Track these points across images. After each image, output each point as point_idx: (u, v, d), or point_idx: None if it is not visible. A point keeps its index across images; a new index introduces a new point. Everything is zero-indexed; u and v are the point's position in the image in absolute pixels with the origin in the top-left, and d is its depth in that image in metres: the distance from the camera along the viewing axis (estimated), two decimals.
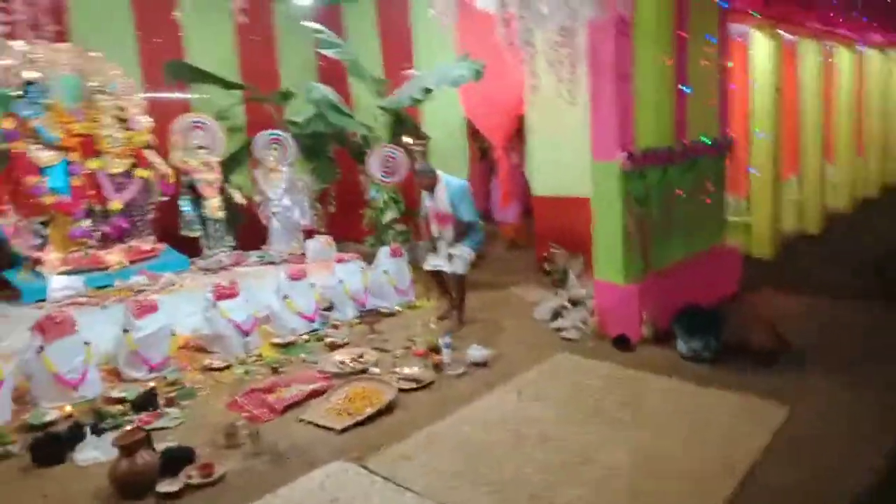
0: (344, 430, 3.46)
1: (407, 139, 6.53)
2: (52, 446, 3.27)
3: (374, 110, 7.02)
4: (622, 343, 4.52)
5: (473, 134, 8.03)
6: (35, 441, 3.30)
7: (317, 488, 2.91)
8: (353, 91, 8.09)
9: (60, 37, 5.92)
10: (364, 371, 4.25)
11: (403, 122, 7.13)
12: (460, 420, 3.52)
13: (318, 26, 6.92)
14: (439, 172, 5.17)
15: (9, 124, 5.39)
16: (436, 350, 4.41)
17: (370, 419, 3.57)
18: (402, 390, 3.90)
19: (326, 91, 7.02)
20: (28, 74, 5.58)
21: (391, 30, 8.01)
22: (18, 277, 5.42)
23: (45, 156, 5.60)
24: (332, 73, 7.99)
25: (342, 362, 4.40)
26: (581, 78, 4.39)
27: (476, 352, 4.36)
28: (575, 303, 5.23)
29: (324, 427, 3.52)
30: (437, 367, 4.25)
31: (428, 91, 6.39)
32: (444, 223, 5.15)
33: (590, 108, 4.67)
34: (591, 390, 3.82)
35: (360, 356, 4.48)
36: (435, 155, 7.30)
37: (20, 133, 5.45)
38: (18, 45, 5.44)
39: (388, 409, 3.68)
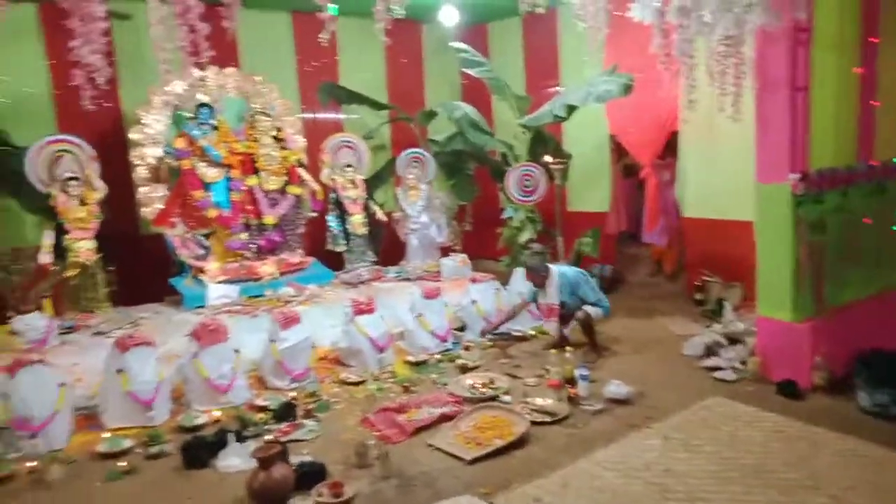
0: (473, 461, 3.33)
1: (547, 157, 6.34)
2: (199, 450, 3.44)
3: (514, 129, 6.91)
4: (789, 390, 3.98)
5: (618, 151, 7.66)
6: (185, 444, 3.50)
7: None
8: (494, 109, 8.06)
9: (228, 62, 6.45)
10: (495, 398, 4.10)
11: (544, 141, 6.94)
12: (597, 463, 3.25)
13: (463, 46, 6.96)
14: (552, 268, 5.08)
15: (181, 143, 5.93)
16: (571, 382, 4.16)
17: (500, 451, 3.41)
18: (534, 423, 3.70)
19: (468, 109, 7.03)
20: (201, 97, 6.12)
21: (536, 47, 7.89)
22: (183, 284, 5.91)
23: (210, 173, 6.10)
24: (476, 93, 8.01)
25: (473, 386, 4.28)
26: (746, 91, 3.95)
27: (616, 388, 4.05)
28: (732, 339, 4.72)
29: (452, 455, 3.40)
30: (573, 400, 3.99)
31: (572, 108, 6.16)
32: (552, 316, 5.05)
33: (756, 124, 4.20)
34: (750, 444, 3.37)
35: (492, 381, 4.34)
36: (575, 172, 7.04)
37: (190, 151, 5.96)
38: (194, 70, 5.99)
39: (520, 442, 3.50)
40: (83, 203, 5.26)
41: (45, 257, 5.10)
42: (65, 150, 5.29)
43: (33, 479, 3.34)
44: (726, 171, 5.73)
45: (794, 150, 4.02)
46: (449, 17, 6.72)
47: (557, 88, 7.57)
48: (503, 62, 7.83)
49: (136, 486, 3.25)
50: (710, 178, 6.05)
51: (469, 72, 6.97)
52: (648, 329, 5.59)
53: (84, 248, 5.21)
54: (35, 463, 3.42)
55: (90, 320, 5.14)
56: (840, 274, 4.19)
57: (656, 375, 4.45)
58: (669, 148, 7.01)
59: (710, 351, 4.67)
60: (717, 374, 4.35)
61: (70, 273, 5.20)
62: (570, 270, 5.16)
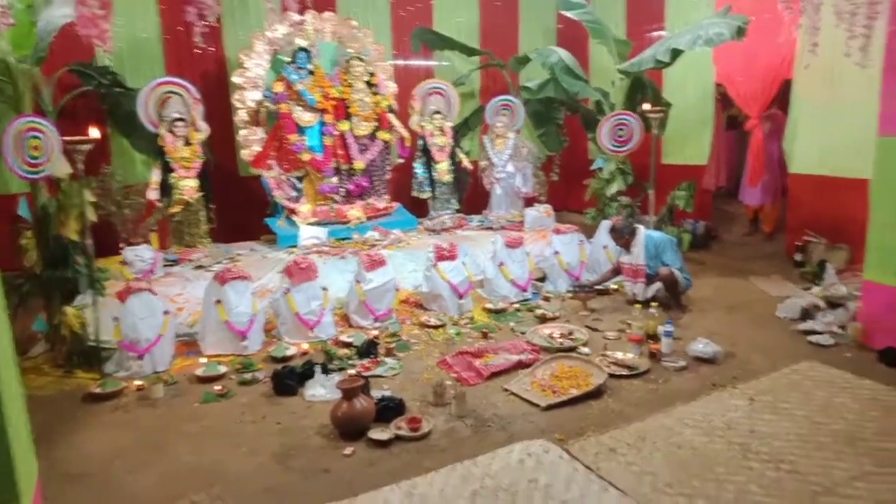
0: (548, 408, 3.34)
1: (645, 106, 6.03)
2: (289, 379, 3.66)
3: (612, 75, 6.60)
4: (892, 358, 3.72)
5: (723, 101, 7.19)
6: (276, 373, 3.72)
7: (516, 464, 2.84)
8: (591, 55, 7.74)
9: (326, 6, 6.52)
10: (573, 349, 4.08)
11: (643, 88, 6.60)
12: (677, 419, 3.18)
13: None
14: (639, 227, 4.92)
15: (279, 87, 6.09)
16: (654, 337, 4.06)
17: (576, 401, 3.40)
18: (612, 375, 3.66)
19: (563, 55, 6.77)
20: (299, 42, 6.24)
21: None
22: (277, 224, 6.18)
23: (305, 117, 6.25)
24: (572, 38, 7.71)
25: (552, 336, 4.27)
26: (879, 34, 3.57)
27: (702, 346, 3.91)
28: (832, 303, 4.44)
29: (527, 401, 3.44)
30: (654, 356, 3.90)
31: (677, 53, 5.78)
32: (637, 278, 4.90)
33: (884, 71, 3.80)
34: (844, 410, 3.19)
35: (571, 333, 4.31)
36: (675, 122, 6.68)
37: (287, 95, 6.12)
38: (293, 15, 6.10)
39: (596, 393, 3.48)
40: (188, 143, 5.54)
41: (153, 194, 5.45)
42: (172, 92, 5.57)
43: (139, 396, 3.67)
44: (844, 123, 5.28)
45: None
46: None
47: (661, 33, 7.15)
48: (604, 5, 7.46)
49: (230, 409, 3.51)
50: (825, 132, 5.59)
51: (567, 14, 6.68)
52: (741, 289, 5.34)
53: (188, 186, 5.52)
54: (141, 382, 3.76)
55: (192, 254, 5.49)
56: None
57: (746, 336, 4.26)
58: (779, 99, 6.52)
59: (807, 314, 4.42)
60: (813, 339, 4.12)
61: (174, 209, 5.55)
62: (658, 234, 5.01)
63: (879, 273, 3.96)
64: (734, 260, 6.20)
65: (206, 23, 2.47)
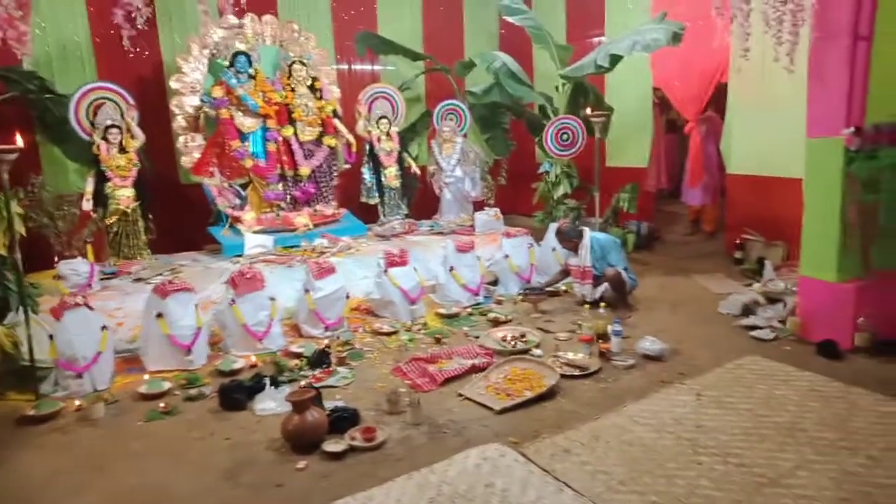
0: (503, 411, 3.35)
1: (588, 110, 6.16)
2: (237, 393, 3.54)
3: (555, 80, 6.72)
4: (829, 350, 3.88)
5: (661, 105, 7.41)
6: (223, 387, 3.60)
7: (472, 469, 2.83)
8: (535, 60, 7.85)
9: (266, 9, 6.39)
10: (526, 351, 4.10)
11: (585, 93, 6.74)
12: (628, 418, 3.23)
13: None
14: (585, 230, 5.02)
15: (218, 92, 5.94)
16: (603, 337, 4.13)
17: (530, 403, 3.42)
18: (564, 376, 3.70)
19: (506, 60, 6.85)
20: (238, 45, 6.09)
21: None
22: (221, 233, 6.00)
23: (247, 122, 6.12)
24: (516, 42, 7.81)
25: (504, 339, 4.29)
26: (802, 40, 3.74)
27: (649, 344, 4.01)
28: (771, 299, 4.62)
29: (482, 405, 3.43)
30: (604, 355, 3.97)
31: (616, 58, 5.94)
32: (585, 279, 4.98)
33: (809, 75, 3.99)
34: (786, 402, 3.31)
35: (523, 336, 4.34)
36: (617, 126, 6.84)
37: (227, 100, 5.96)
38: (231, 18, 5.96)
39: (549, 394, 3.50)
40: (123, 151, 5.33)
41: (87, 204, 5.22)
42: (105, 98, 5.35)
43: (79, 416, 3.49)
44: (776, 125, 5.51)
45: (851, 102, 3.82)
46: None
47: (601, 39, 7.32)
48: (545, 11, 7.59)
49: (175, 426, 3.37)
50: (759, 134, 5.83)
51: (510, 19, 6.76)
52: (685, 287, 5.50)
53: (124, 195, 5.31)
54: (80, 402, 3.58)
55: (131, 266, 5.28)
56: (891, 236, 4.01)
57: (691, 333, 4.39)
58: (715, 102, 6.76)
59: (748, 310, 4.58)
60: (755, 333, 4.26)
61: (111, 220, 5.32)
62: (603, 236, 5.10)
63: (814, 269, 4.14)
64: (677, 259, 6.38)
65: (136, 27, 2.38)
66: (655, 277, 5.70)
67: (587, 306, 4.64)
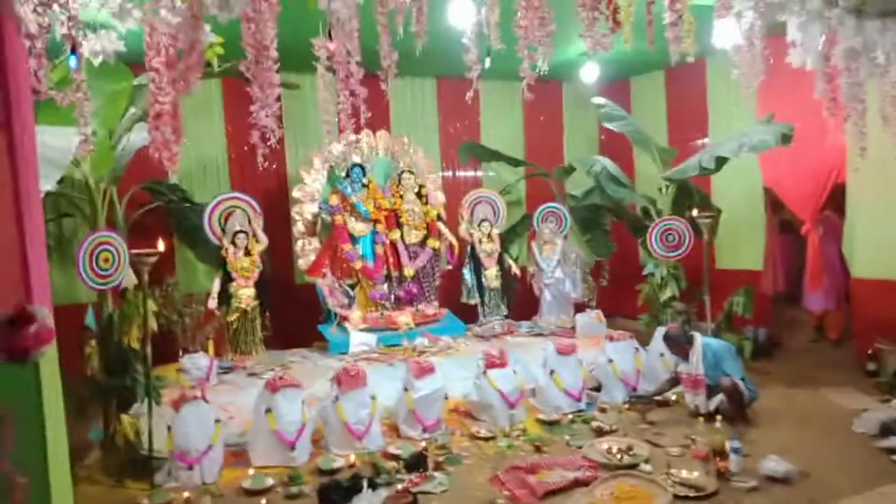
0: None
1: (693, 211, 6.03)
2: (335, 493, 3.55)
3: (658, 181, 6.68)
4: None
5: (773, 205, 7.12)
6: (322, 486, 3.63)
7: None
8: (636, 163, 7.89)
9: (380, 125, 6.93)
10: (634, 466, 3.85)
11: (690, 194, 6.63)
12: None
13: (604, 101, 6.93)
14: (696, 335, 4.78)
15: (335, 200, 6.39)
16: (721, 454, 3.81)
17: None
18: (677, 497, 3.42)
19: (606, 163, 6.93)
20: (354, 158, 6.60)
21: (681, 99, 7.67)
22: (329, 331, 6.26)
23: (358, 227, 6.50)
24: (616, 147, 7.91)
25: (610, 451, 4.06)
26: None
27: (774, 464, 3.64)
28: None
29: None
30: (722, 475, 3.65)
31: (722, 160, 5.85)
32: (698, 388, 4.68)
33: None
34: None
35: (630, 448, 4.08)
36: (726, 228, 6.62)
37: (341, 207, 6.40)
38: (350, 134, 6.49)
39: None
40: (247, 254, 5.79)
41: (212, 302, 5.65)
42: (235, 206, 5.90)
43: None
44: None
45: None
46: (590, 73, 6.76)
47: (704, 141, 7.28)
48: (645, 116, 7.68)
49: None
50: (886, 234, 5.44)
51: (610, 126, 6.89)
52: (811, 400, 5.02)
53: (246, 294, 5.71)
54: (188, 494, 3.70)
55: (246, 361, 5.58)
56: None
57: (821, 453, 3.95)
58: (833, 201, 6.42)
59: (888, 429, 4.08)
60: None
61: (232, 317, 5.71)
62: (716, 342, 4.82)
63: None
64: (801, 368, 5.88)
65: (269, 145, 2.67)
66: (777, 388, 5.26)
67: (701, 419, 4.33)
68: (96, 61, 2.85)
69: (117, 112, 4.75)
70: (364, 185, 6.57)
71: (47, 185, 3.46)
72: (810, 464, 3.77)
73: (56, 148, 3.41)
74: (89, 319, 4.29)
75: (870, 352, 5.47)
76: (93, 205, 4.79)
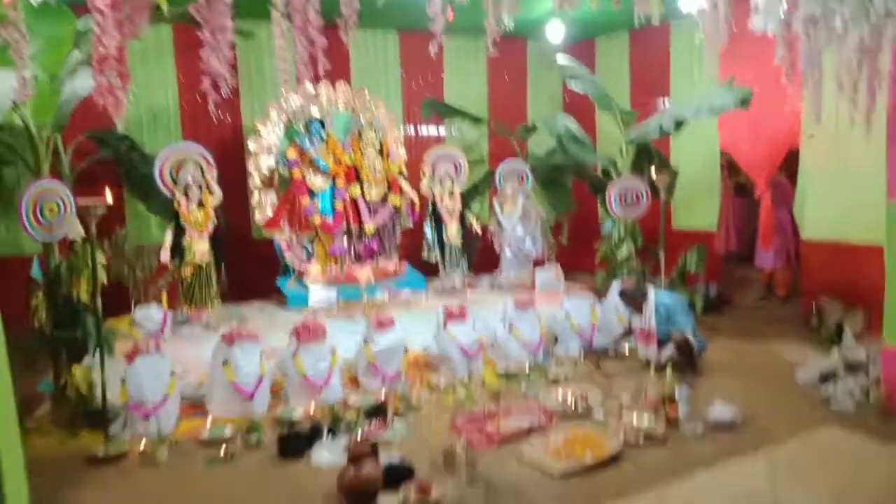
0: (562, 476, 3.22)
1: (652, 172, 6.12)
2: (295, 442, 3.57)
3: (619, 142, 6.74)
4: None
5: (729, 168, 7.28)
6: (282, 436, 3.63)
7: None
8: (598, 124, 7.92)
9: (339, 77, 6.75)
10: (587, 414, 3.96)
11: (650, 155, 6.72)
12: (698, 487, 3.06)
13: (568, 60, 6.90)
14: (650, 291, 4.92)
15: (292, 153, 6.25)
16: (670, 402, 3.94)
17: (591, 468, 3.28)
18: (628, 442, 3.54)
19: (569, 123, 6.95)
20: (313, 112, 6.44)
21: (645, 61, 7.68)
22: (288, 285, 6.19)
23: (317, 181, 6.38)
24: (579, 107, 7.92)
25: (565, 400, 4.17)
26: (881, 103, 3.64)
27: (720, 410, 3.80)
28: (851, 367, 4.32)
29: (541, 468, 3.32)
30: (671, 421, 3.79)
31: (681, 122, 5.92)
32: (650, 341, 4.84)
33: (889, 140, 3.86)
34: (874, 481, 3.06)
35: (584, 397, 4.20)
36: (683, 188, 6.76)
37: (299, 161, 6.26)
38: (308, 86, 6.32)
39: (612, 460, 3.36)
40: (201, 206, 5.64)
41: (165, 255, 5.51)
42: (187, 158, 5.71)
43: (143, 458, 3.58)
44: (854, 190, 5.31)
45: None
46: (555, 33, 6.70)
47: (665, 103, 7.34)
48: (609, 77, 7.68)
49: (234, 473, 3.40)
50: (835, 198, 5.63)
51: (573, 86, 6.88)
52: (757, 353, 5.23)
53: (200, 248, 5.58)
54: (145, 444, 3.68)
55: (202, 314, 5.48)
56: None
57: (765, 401, 4.14)
58: (786, 167, 6.60)
59: (827, 379, 4.30)
60: (835, 405, 3.99)
61: (186, 271, 5.58)
62: (668, 297, 4.96)
63: None
64: (749, 323, 6.12)
65: (222, 94, 2.57)
66: (725, 342, 5.46)
67: (652, 370, 4.48)
68: (35, 1, 2.68)
69: (60, 57, 4.48)
70: (323, 140, 6.43)
71: None
72: (754, 411, 3.95)
73: None
74: (35, 271, 4.14)
75: (813, 307, 5.71)
76: (35, 153, 4.57)
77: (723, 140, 6.79)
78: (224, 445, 3.68)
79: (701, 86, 6.59)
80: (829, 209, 5.71)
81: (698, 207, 7.09)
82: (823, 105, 3.79)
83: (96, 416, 3.89)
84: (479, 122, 7.66)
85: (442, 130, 7.99)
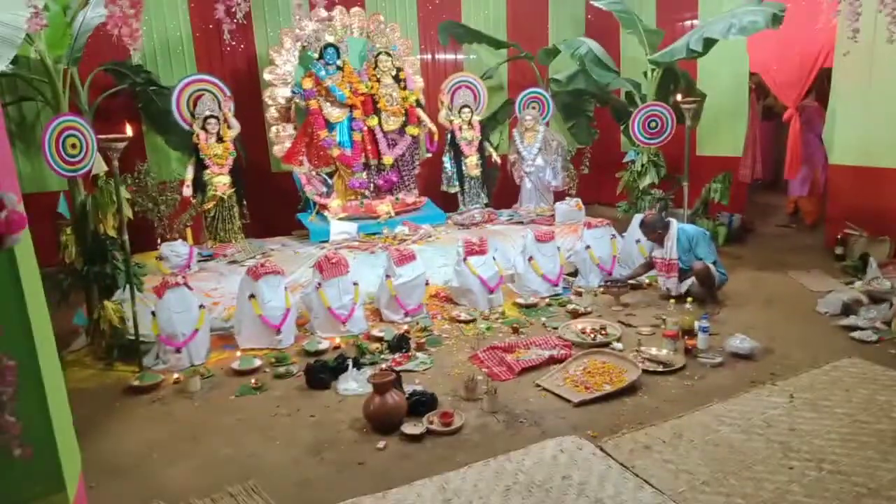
0: (581, 404, 3.31)
1: (678, 97, 5.91)
2: (322, 373, 3.69)
3: (644, 66, 6.49)
4: None
5: (758, 90, 7.03)
6: (309, 367, 3.76)
7: (549, 460, 2.82)
8: (623, 45, 7.63)
9: (354, 2, 6.53)
10: (606, 344, 4.03)
11: (676, 79, 6.48)
12: (714, 417, 3.12)
13: None
14: (672, 221, 4.83)
15: (308, 84, 6.12)
16: (689, 333, 3.99)
17: (609, 397, 3.36)
18: (646, 371, 3.60)
19: (592, 45, 6.68)
20: (327, 38, 6.26)
21: None
22: (308, 220, 6.23)
23: (335, 113, 6.28)
24: (603, 27, 7.62)
25: (584, 331, 4.23)
26: None
27: (739, 342, 3.83)
28: (875, 298, 4.31)
29: (560, 397, 3.41)
30: (690, 352, 3.84)
31: (710, 42, 5.66)
32: (671, 272, 4.80)
33: None
34: (889, 409, 3.10)
35: (603, 328, 4.25)
36: (709, 113, 6.55)
37: (316, 91, 6.15)
38: (322, 11, 6.12)
39: (630, 389, 3.43)
40: (220, 140, 5.62)
41: (187, 190, 5.54)
42: (204, 90, 5.64)
43: (176, 389, 3.74)
44: (887, 112, 5.11)
45: None
46: None
47: (693, 21, 7.01)
48: None
49: (265, 402, 3.55)
50: (867, 121, 5.44)
51: (597, 3, 6.57)
52: (779, 283, 5.22)
53: (221, 182, 5.60)
54: (178, 375, 3.83)
55: (226, 249, 5.57)
56: None
57: (785, 332, 4.16)
58: (816, 89, 6.35)
59: (849, 309, 4.29)
60: (855, 335, 4.00)
61: (208, 205, 5.63)
62: (691, 228, 4.91)
63: None
64: (772, 253, 6.06)
65: (235, 20, 2.49)
66: (748, 272, 5.44)
67: (672, 301, 4.49)
68: None
69: None
70: (339, 68, 6.28)
71: (0, 63, 3.26)
72: (774, 341, 3.98)
73: (5, 23, 3.17)
74: (62, 207, 4.19)
75: (838, 236, 5.63)
76: (53, 87, 4.54)
77: (753, 61, 6.51)
78: (254, 375, 3.83)
79: (731, 3, 6.26)
80: (860, 133, 5.53)
81: (724, 133, 6.90)
82: (861, 20, 3.60)
83: (130, 349, 4.04)
84: (498, 47, 7.40)
85: (460, 56, 7.75)
